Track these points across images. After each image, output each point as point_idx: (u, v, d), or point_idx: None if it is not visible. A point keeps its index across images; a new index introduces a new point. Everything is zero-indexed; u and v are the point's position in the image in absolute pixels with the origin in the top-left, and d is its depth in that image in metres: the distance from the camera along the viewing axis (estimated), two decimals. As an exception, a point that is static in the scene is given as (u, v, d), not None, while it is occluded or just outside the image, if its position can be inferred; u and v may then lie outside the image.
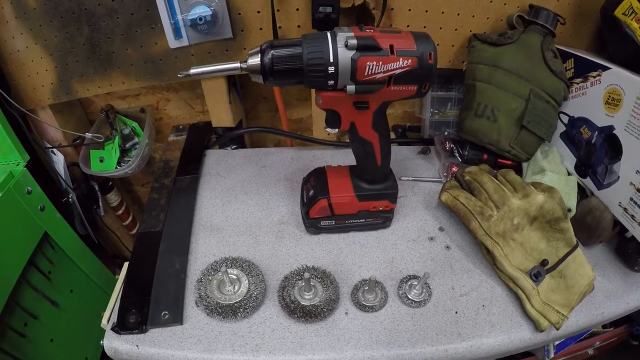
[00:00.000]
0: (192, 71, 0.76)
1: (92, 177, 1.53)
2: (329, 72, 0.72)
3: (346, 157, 1.06)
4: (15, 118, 1.29)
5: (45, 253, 1.33)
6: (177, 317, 0.83)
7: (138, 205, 1.88)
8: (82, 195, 1.50)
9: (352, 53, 0.71)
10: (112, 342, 0.81)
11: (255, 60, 0.73)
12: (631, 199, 0.90)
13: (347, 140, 1.29)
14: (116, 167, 1.36)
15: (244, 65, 0.74)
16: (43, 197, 1.30)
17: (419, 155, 1.28)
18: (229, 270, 0.87)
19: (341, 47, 0.71)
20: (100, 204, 1.57)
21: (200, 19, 1.07)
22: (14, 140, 1.25)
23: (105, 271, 1.63)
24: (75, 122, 1.46)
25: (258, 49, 0.73)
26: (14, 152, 1.26)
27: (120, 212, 1.68)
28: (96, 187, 1.55)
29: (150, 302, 0.86)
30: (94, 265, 1.56)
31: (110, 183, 1.61)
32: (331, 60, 0.71)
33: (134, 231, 1.79)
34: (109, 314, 0.86)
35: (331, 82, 0.74)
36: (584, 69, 1.02)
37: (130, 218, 1.75)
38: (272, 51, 0.72)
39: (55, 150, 1.41)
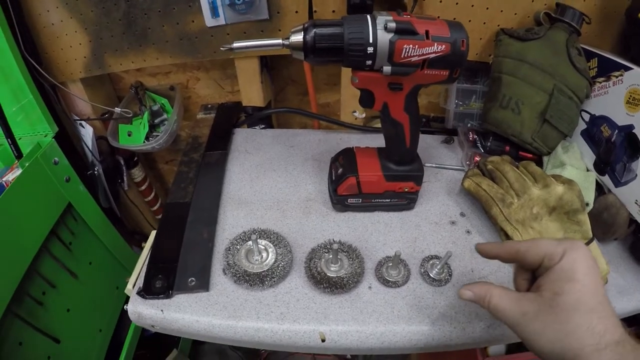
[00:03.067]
0: (235, 45, 0.78)
1: (118, 151, 1.56)
2: (368, 52, 0.74)
3: (372, 141, 1.07)
4: (46, 90, 1.31)
5: (67, 224, 1.36)
6: (203, 284, 0.85)
7: (160, 182, 1.90)
8: (107, 168, 1.53)
9: (390, 35, 0.73)
10: (137, 306, 0.83)
11: (298, 38, 0.75)
12: None
13: (374, 126, 1.31)
14: (144, 142, 1.39)
15: (286, 42, 0.76)
16: (69, 169, 1.33)
17: (442, 144, 1.30)
18: (258, 240, 0.89)
19: (380, 29, 0.73)
20: (125, 178, 1.60)
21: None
22: (44, 112, 1.28)
23: (125, 246, 1.65)
24: (104, 97, 1.49)
25: (301, 26, 0.75)
26: (43, 123, 1.29)
27: (143, 187, 1.71)
28: (122, 162, 1.57)
29: (177, 269, 0.88)
30: (114, 239, 1.58)
31: (136, 158, 1.64)
32: (370, 41, 0.74)
33: (156, 207, 1.82)
34: (135, 279, 0.88)
35: (369, 62, 0.76)
36: (607, 69, 1.03)
37: (152, 194, 1.77)
38: (314, 29, 0.74)
39: (83, 123, 1.43)
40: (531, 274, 0.65)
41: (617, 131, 0.99)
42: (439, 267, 0.88)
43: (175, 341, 1.74)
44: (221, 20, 1.16)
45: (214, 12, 1.14)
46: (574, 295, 0.54)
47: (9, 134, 1.17)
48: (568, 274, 0.55)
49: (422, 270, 0.90)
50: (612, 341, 0.50)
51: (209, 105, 1.47)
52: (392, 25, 0.72)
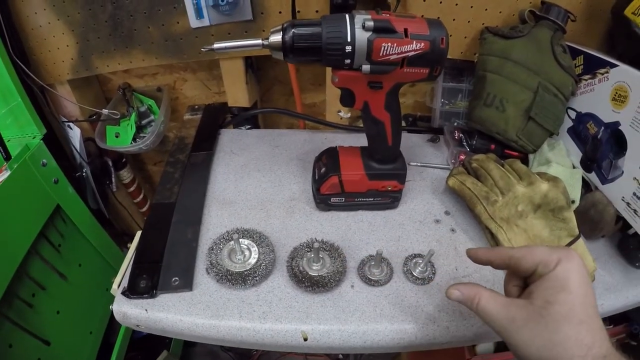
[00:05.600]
0: (216, 46, 0.78)
1: (107, 153, 1.56)
2: (346, 51, 0.74)
3: (357, 141, 1.07)
4: (34, 92, 1.31)
5: (56, 226, 1.35)
6: (187, 283, 0.86)
7: (149, 184, 1.90)
8: (95, 170, 1.53)
9: (368, 34, 0.73)
10: (121, 306, 0.83)
11: (276, 38, 0.75)
12: (634, 193, 0.91)
13: (359, 125, 1.32)
14: (131, 143, 1.39)
15: (265, 42, 0.76)
16: (57, 171, 1.33)
17: (428, 143, 1.30)
18: (240, 240, 0.90)
19: (359, 28, 0.73)
20: (113, 179, 1.60)
21: (223, 0, 1.10)
22: (32, 114, 1.28)
23: (114, 247, 1.65)
24: (92, 99, 1.49)
25: (280, 27, 0.76)
26: (31, 125, 1.28)
27: (132, 189, 1.71)
28: (110, 163, 1.57)
29: (162, 269, 0.88)
30: (103, 240, 1.58)
31: (124, 160, 1.63)
32: (349, 40, 0.74)
33: (145, 209, 1.82)
34: (120, 279, 0.89)
35: (348, 61, 0.76)
36: (593, 66, 1.03)
37: (141, 196, 1.77)
38: (293, 29, 0.74)
39: (71, 124, 1.43)
40: (523, 281, 0.65)
41: (603, 128, 1.00)
42: (422, 265, 0.88)
43: (166, 343, 1.74)
44: (205, 22, 1.16)
45: (199, 13, 1.14)
46: (566, 306, 0.54)
47: None
48: (562, 283, 0.55)
49: (405, 268, 0.90)
50: (599, 355, 0.51)
51: (196, 106, 1.47)
52: (370, 23, 0.72)
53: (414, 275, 0.88)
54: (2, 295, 1.08)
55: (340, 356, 2.17)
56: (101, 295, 1.59)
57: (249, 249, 0.91)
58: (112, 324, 1.60)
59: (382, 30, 0.74)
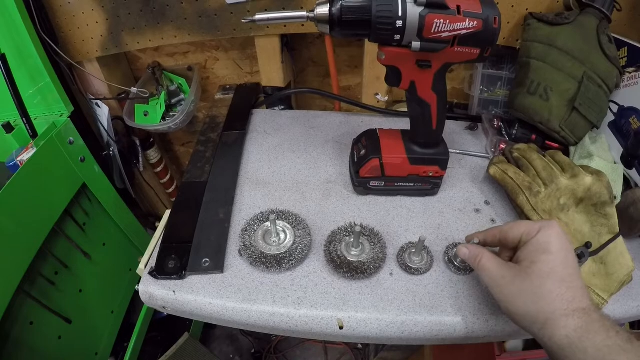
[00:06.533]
0: (257, 17, 0.76)
1: (134, 132, 1.56)
2: (397, 26, 0.71)
3: (394, 125, 1.05)
4: (62, 70, 1.32)
5: (81, 205, 1.37)
6: (218, 265, 0.84)
7: (176, 165, 1.91)
8: (123, 149, 1.54)
9: (420, 9, 0.70)
10: (148, 286, 0.82)
11: (323, 10, 0.72)
12: None
13: (397, 109, 1.29)
14: (160, 122, 1.38)
15: (311, 15, 0.74)
16: (84, 149, 1.33)
17: (466, 130, 1.27)
18: (276, 221, 0.87)
19: (410, 2, 0.71)
20: (140, 159, 1.60)
21: (261, -26, 1.07)
22: (60, 92, 1.28)
23: (139, 228, 1.66)
24: (121, 77, 1.49)
25: (327, -2, 0.73)
26: (59, 103, 1.29)
27: (159, 169, 1.72)
28: (137, 142, 1.57)
29: (191, 249, 0.86)
30: (128, 220, 1.59)
31: (152, 140, 1.64)
32: (399, 14, 0.71)
33: (171, 190, 1.83)
34: (147, 259, 0.87)
35: (397, 37, 0.73)
36: (637, 59, 1.01)
37: (168, 176, 1.78)
38: (341, 1, 0.71)
39: (99, 102, 1.43)
40: (513, 253, 0.72)
41: (646, 123, 0.96)
42: None
43: (186, 325, 1.76)
44: (242, -4, 1.14)
45: (235, -11, 1.12)
46: (548, 265, 0.63)
47: (24, 114, 1.18)
48: (543, 247, 0.65)
49: (447, 258, 0.87)
50: (579, 308, 0.59)
51: (228, 86, 1.46)
52: (423, -2, 0.70)
53: (455, 265, 0.85)
54: (25, 272, 1.10)
55: (360, 345, 2.17)
56: (124, 275, 1.61)
57: (284, 231, 0.88)
58: (134, 304, 1.62)
59: (434, 5, 0.71)
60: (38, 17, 1.18)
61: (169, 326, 1.72)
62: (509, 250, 0.73)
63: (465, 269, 0.85)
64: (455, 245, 0.88)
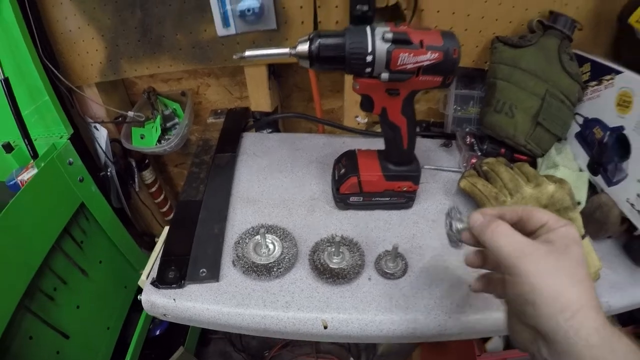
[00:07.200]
0: (247, 53, 0.84)
1: (130, 154, 1.62)
2: (367, 60, 0.80)
3: (373, 145, 1.11)
4: (62, 93, 1.37)
5: (79, 223, 1.41)
6: (214, 275, 0.91)
7: (170, 185, 1.96)
8: (120, 170, 1.59)
9: (388, 45, 0.79)
10: (150, 295, 0.89)
11: (304, 47, 0.81)
12: (638, 195, 0.94)
13: (375, 130, 1.37)
14: (156, 144, 1.45)
15: (292, 51, 0.82)
16: (83, 169, 1.37)
17: (441, 147, 1.35)
18: (266, 234, 0.95)
19: (379, 39, 0.79)
20: (136, 179, 1.65)
21: (249, 10, 1.15)
22: (60, 114, 1.33)
23: (134, 246, 1.70)
24: (118, 102, 1.55)
25: (307, 37, 0.82)
26: (58, 124, 1.34)
27: (153, 189, 1.76)
28: (133, 164, 1.63)
29: (189, 261, 0.94)
30: (124, 239, 1.63)
31: (147, 161, 1.69)
32: (369, 50, 0.79)
33: (165, 209, 1.87)
34: (148, 271, 0.95)
35: (368, 70, 0.82)
36: (599, 73, 1.07)
37: (162, 196, 1.82)
38: (319, 40, 0.80)
39: (98, 125, 1.49)
40: (500, 272, 0.68)
41: (608, 132, 1.03)
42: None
43: (180, 342, 1.78)
44: (232, 30, 1.22)
45: (225, 22, 1.20)
46: (581, 255, 0.56)
47: (25, 135, 1.22)
48: (573, 238, 0.57)
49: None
50: (600, 306, 0.53)
51: (219, 111, 1.52)
52: (390, 35, 0.78)
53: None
54: (26, 287, 1.13)
55: (352, 359, 2.21)
56: (119, 292, 1.63)
57: (273, 243, 0.96)
58: (129, 321, 1.64)
59: (400, 41, 0.79)
60: (41, 43, 1.24)
61: (163, 344, 1.74)
62: (498, 267, 0.69)
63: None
64: None
